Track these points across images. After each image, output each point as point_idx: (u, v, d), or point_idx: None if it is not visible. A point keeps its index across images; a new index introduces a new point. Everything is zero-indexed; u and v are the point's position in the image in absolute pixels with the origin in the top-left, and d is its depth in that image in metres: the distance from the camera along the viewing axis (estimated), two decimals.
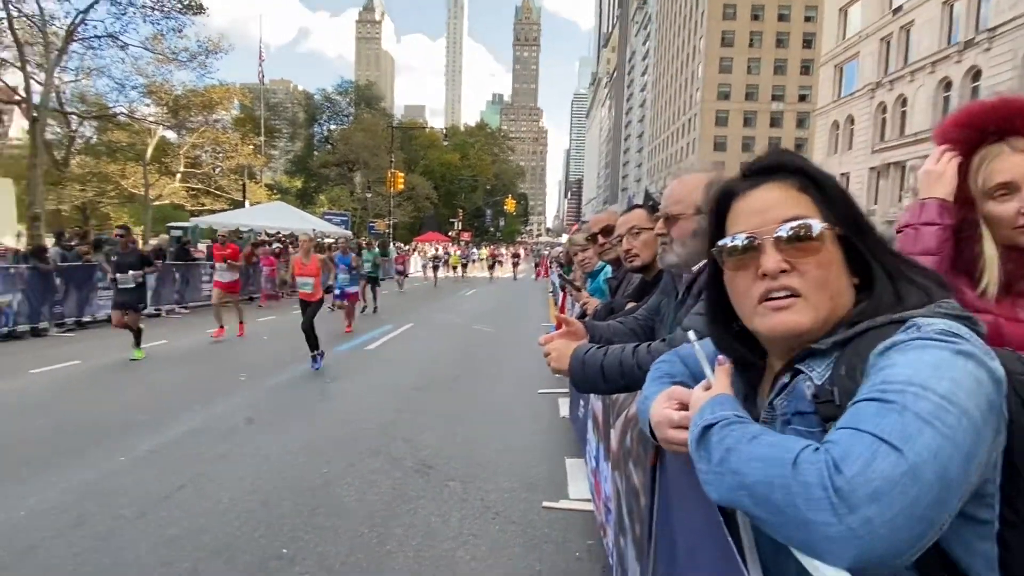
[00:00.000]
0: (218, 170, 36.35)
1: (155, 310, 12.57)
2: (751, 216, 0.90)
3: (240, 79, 49.63)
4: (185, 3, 24.76)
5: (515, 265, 34.21)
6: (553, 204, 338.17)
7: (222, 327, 9.89)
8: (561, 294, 7.42)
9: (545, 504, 3.68)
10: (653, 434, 1.03)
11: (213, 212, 31.34)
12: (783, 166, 0.92)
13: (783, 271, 0.85)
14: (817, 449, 0.67)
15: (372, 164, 54.74)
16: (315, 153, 64.28)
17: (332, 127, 66.97)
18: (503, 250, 47.33)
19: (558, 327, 1.86)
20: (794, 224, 0.86)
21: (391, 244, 30.86)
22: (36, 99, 23.26)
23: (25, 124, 26.07)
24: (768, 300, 0.87)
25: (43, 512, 3.42)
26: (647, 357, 1.61)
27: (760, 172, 0.94)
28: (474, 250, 40.27)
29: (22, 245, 16.95)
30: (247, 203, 30.20)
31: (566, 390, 6.18)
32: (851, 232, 0.88)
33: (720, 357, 0.94)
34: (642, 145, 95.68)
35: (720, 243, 0.93)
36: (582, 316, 3.26)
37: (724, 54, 64.82)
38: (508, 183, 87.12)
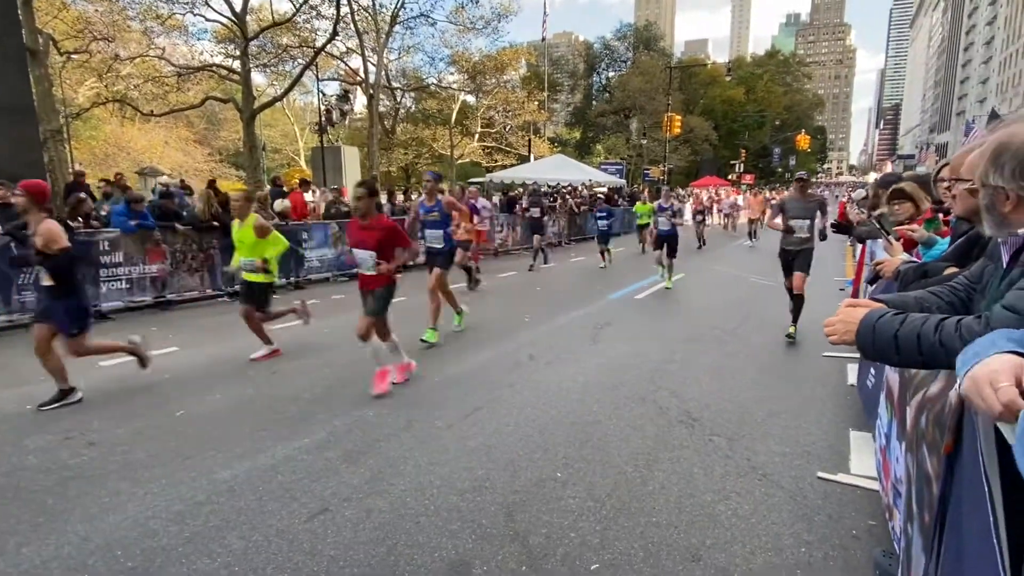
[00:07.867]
0: (508, 128, 39.92)
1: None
2: None
3: (527, 38, 52.74)
4: None
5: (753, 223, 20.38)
6: (859, 136, 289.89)
7: None
8: (860, 246, 6.49)
9: (820, 475, 3.43)
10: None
11: (504, 168, 34.68)
12: None
13: None
14: None
15: (648, 109, 53.76)
16: (593, 103, 65.50)
17: (610, 75, 67.22)
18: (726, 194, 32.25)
19: (855, 282, 1.72)
20: None
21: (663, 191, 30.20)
22: (371, 78, 28.37)
23: (365, 100, 32.18)
24: None
25: (383, 415, 4.41)
26: (953, 336, 1.40)
27: None
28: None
29: None
30: (532, 158, 32.60)
31: (856, 355, 5.50)
32: None
33: None
34: (990, 54, 75.05)
35: None
36: (875, 278, 2.81)
37: None
38: (802, 116, 77.21)
